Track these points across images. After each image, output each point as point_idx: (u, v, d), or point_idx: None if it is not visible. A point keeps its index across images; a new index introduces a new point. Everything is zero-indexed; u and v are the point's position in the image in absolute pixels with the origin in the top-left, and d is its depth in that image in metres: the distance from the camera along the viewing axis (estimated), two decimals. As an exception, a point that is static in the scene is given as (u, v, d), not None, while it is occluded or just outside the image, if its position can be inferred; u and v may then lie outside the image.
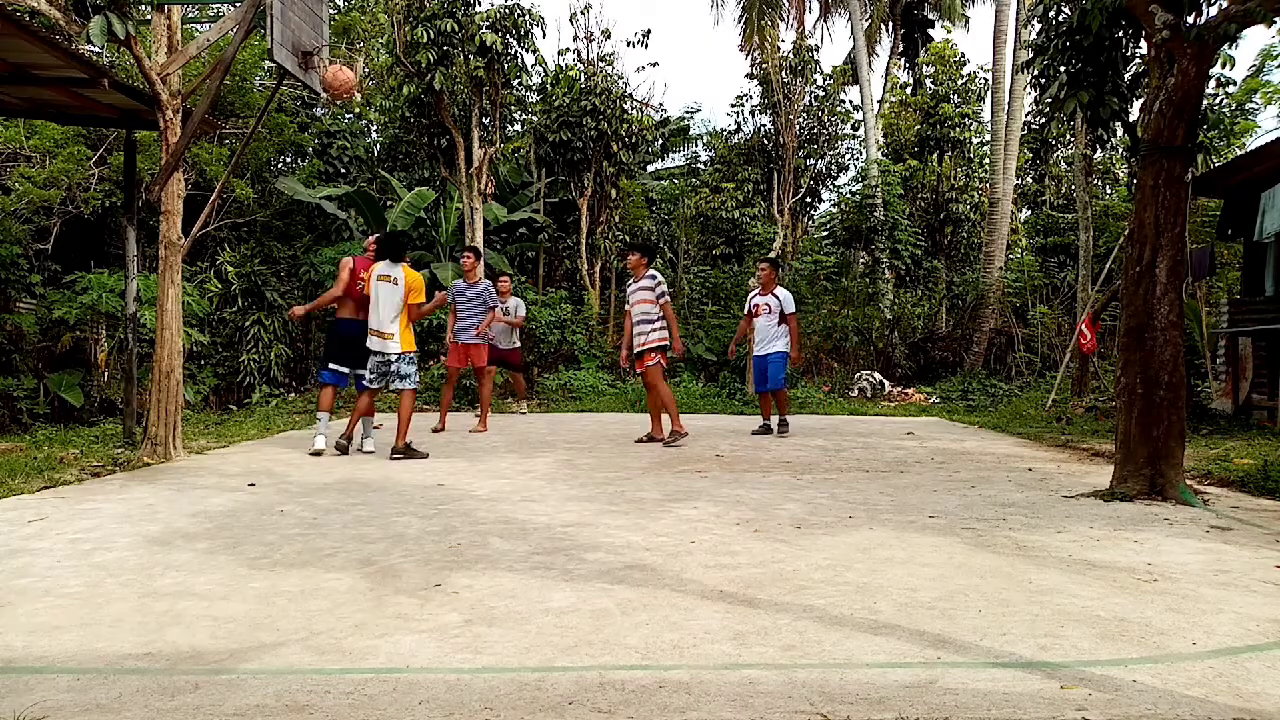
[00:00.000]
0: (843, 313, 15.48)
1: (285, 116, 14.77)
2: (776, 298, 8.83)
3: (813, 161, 19.11)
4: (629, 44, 19.04)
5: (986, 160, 17.57)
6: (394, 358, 7.02)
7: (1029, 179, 20.55)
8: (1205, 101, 7.08)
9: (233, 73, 12.23)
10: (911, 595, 3.28)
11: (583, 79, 15.92)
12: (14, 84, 6.80)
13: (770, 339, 8.81)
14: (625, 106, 15.81)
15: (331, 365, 7.46)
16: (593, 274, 16.39)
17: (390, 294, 6.95)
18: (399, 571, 3.61)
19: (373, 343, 7.02)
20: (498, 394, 13.58)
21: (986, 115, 17.92)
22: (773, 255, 15.30)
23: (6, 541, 4.12)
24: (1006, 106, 16.32)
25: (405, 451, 7.00)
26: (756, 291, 9.04)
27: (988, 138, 17.54)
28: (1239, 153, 12.33)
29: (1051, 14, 6.25)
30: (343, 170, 16.37)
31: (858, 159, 19.30)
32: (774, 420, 9.14)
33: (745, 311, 9.17)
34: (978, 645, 2.74)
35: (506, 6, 13.36)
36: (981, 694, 2.36)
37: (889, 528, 4.50)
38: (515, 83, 14.51)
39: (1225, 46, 5.23)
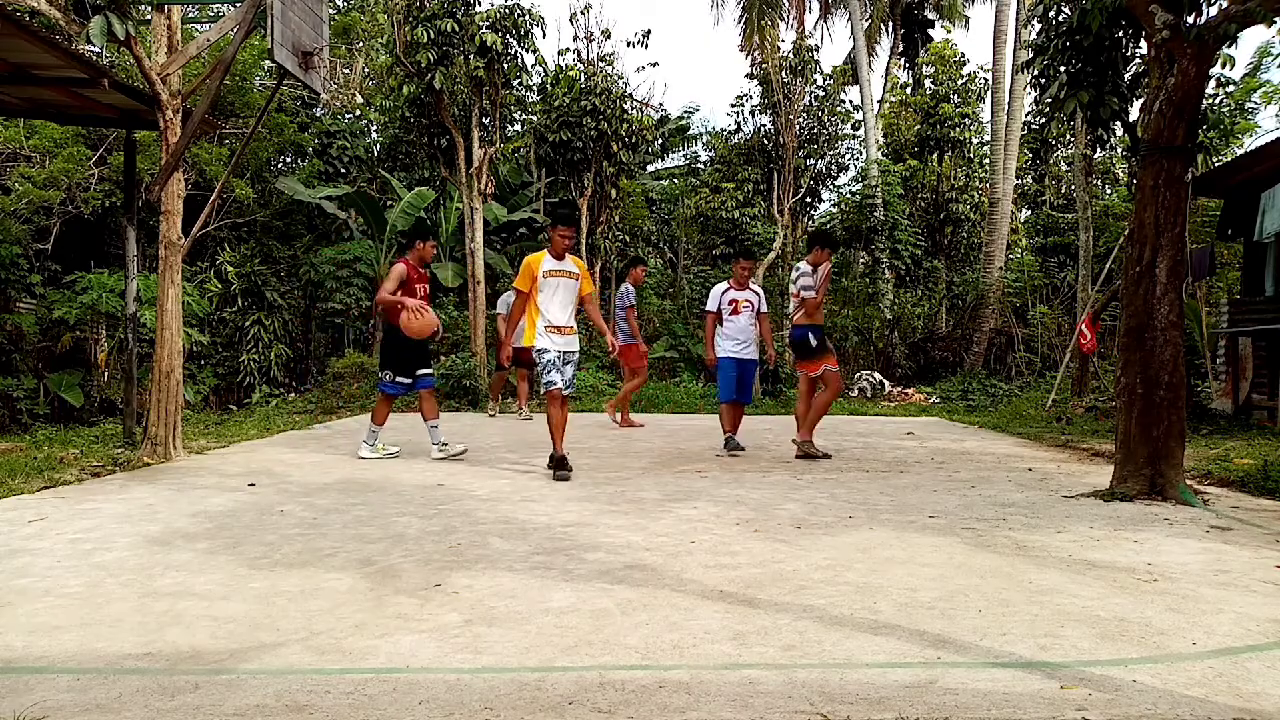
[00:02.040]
0: (843, 313, 15.49)
1: (285, 116, 14.77)
2: (756, 293, 7.88)
3: (813, 161, 19.10)
4: (629, 44, 19.03)
5: (986, 160, 17.57)
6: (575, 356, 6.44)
7: (1029, 179, 20.56)
8: (1205, 101, 7.08)
9: (233, 73, 12.23)
10: (911, 595, 3.27)
11: (583, 79, 15.92)
12: (14, 84, 6.80)
13: (753, 341, 7.82)
14: (625, 106, 15.81)
15: (395, 377, 7.02)
16: (593, 274, 16.40)
17: (571, 288, 6.38)
18: (399, 571, 3.61)
19: (555, 341, 6.24)
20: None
21: (986, 115, 17.93)
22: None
23: (6, 541, 4.12)
24: (1006, 106, 16.33)
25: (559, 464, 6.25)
26: (730, 286, 7.81)
27: (988, 138, 17.54)
28: (1239, 153, 12.33)
29: (1051, 14, 6.25)
30: (343, 170, 16.38)
31: (858, 159, 19.30)
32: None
33: (713, 310, 7.80)
34: (978, 645, 2.74)
35: (506, 6, 13.36)
36: (981, 694, 2.36)
37: (889, 528, 4.50)
38: (515, 83, 14.51)
39: (1225, 46, 5.23)
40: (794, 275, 7.48)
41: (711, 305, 7.82)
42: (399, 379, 7.04)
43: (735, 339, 7.71)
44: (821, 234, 7.64)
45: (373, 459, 7.05)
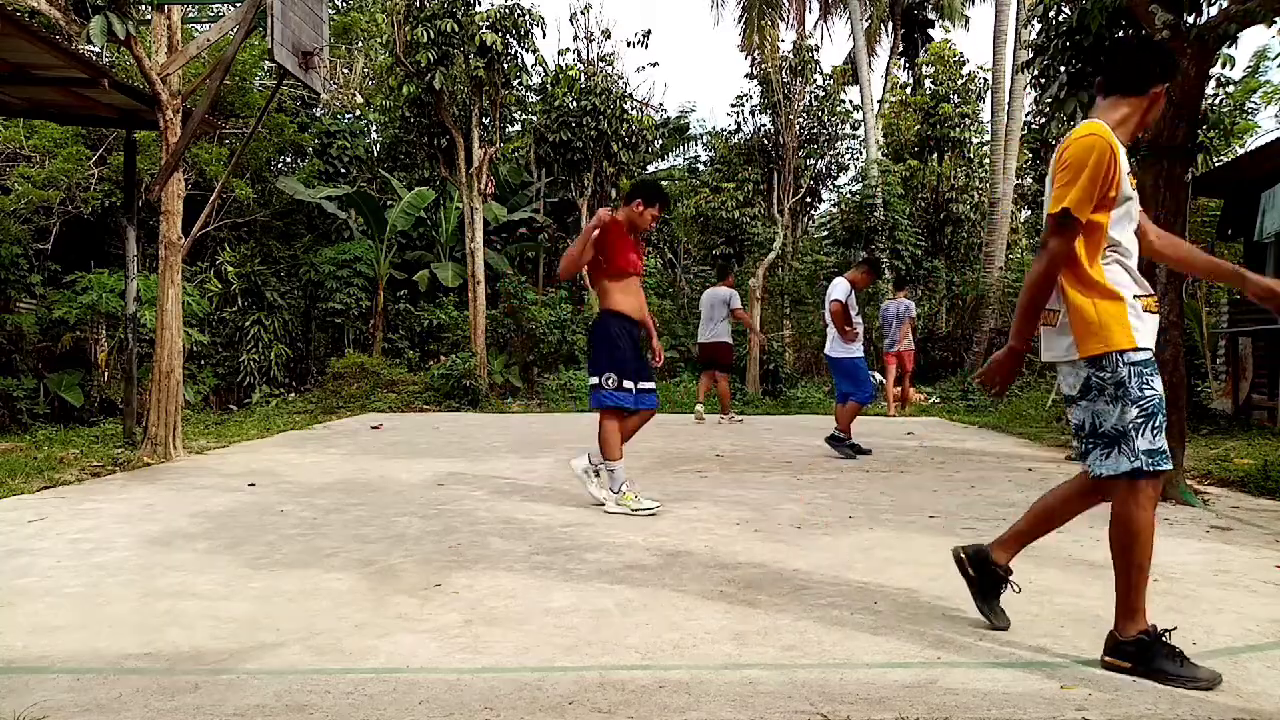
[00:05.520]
0: (843, 313, 15.47)
1: (285, 116, 14.78)
2: None
3: (813, 161, 19.11)
4: (629, 44, 19.11)
5: (986, 160, 17.57)
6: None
7: (1029, 179, 20.54)
8: (1205, 101, 7.08)
9: (233, 73, 12.23)
10: (911, 595, 3.27)
11: (583, 79, 15.93)
12: (14, 84, 6.80)
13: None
14: (625, 106, 15.82)
15: (619, 382, 4.75)
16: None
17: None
18: (399, 571, 3.61)
19: (1153, 327, 2.58)
20: (499, 393, 13.57)
21: (986, 115, 17.92)
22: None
23: (7, 541, 4.12)
24: (1006, 106, 16.32)
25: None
26: (852, 288, 7.46)
27: (988, 138, 17.54)
28: (1239, 152, 12.33)
29: (1051, 14, 6.26)
30: (343, 170, 16.39)
31: (858, 159, 19.30)
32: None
33: (842, 299, 7.33)
34: (978, 645, 2.74)
35: (506, 6, 13.36)
36: (981, 694, 2.36)
37: (889, 528, 4.50)
38: (515, 83, 14.52)
39: (1225, 46, 5.23)
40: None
41: (841, 295, 7.31)
42: (621, 384, 4.74)
43: (858, 341, 7.46)
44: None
45: (618, 514, 4.73)
